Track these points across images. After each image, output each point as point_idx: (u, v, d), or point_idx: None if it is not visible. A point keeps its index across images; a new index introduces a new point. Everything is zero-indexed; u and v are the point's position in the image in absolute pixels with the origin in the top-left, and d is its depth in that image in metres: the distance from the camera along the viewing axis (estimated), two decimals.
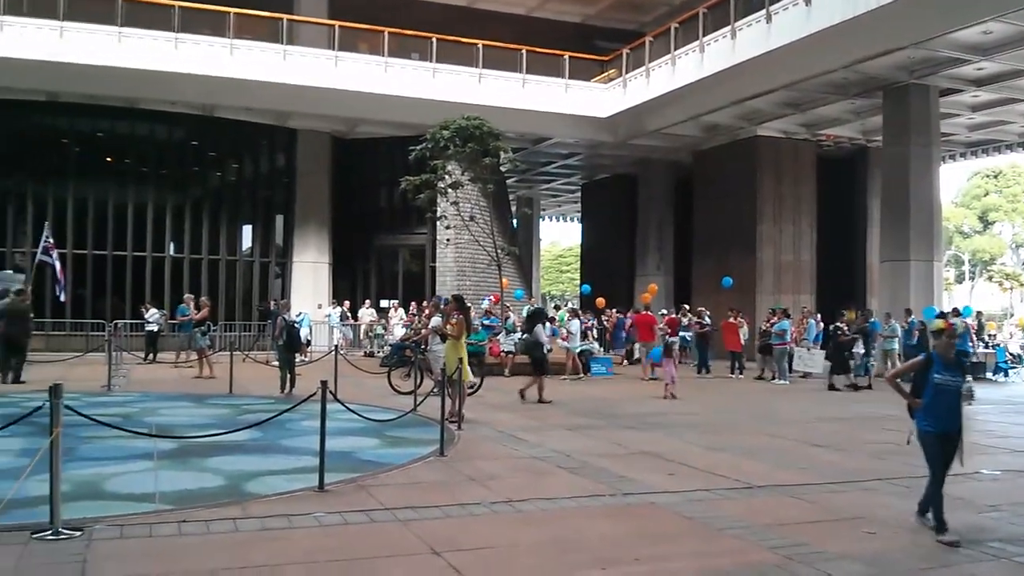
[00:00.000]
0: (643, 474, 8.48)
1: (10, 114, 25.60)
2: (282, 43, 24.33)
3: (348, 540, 6.03)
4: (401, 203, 27.44)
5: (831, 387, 18.03)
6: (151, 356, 21.55)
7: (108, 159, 27.72)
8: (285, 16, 24.84)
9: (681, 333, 20.46)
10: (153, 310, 22.68)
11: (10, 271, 22.01)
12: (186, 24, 23.36)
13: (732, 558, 5.79)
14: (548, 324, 16.03)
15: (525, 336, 16.31)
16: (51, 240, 20.95)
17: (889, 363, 18.91)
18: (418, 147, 21.38)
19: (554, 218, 54.84)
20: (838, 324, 18.85)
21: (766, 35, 21.11)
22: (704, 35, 23.37)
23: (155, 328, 22.20)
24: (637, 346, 23.16)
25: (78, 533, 5.87)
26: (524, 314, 23.30)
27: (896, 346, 19.67)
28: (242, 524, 6.31)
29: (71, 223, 26.00)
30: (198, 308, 19.33)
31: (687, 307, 23.84)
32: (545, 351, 15.77)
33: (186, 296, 20.93)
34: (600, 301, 26.36)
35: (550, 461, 9.10)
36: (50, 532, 5.81)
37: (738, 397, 16.89)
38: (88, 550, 5.57)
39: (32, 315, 17.99)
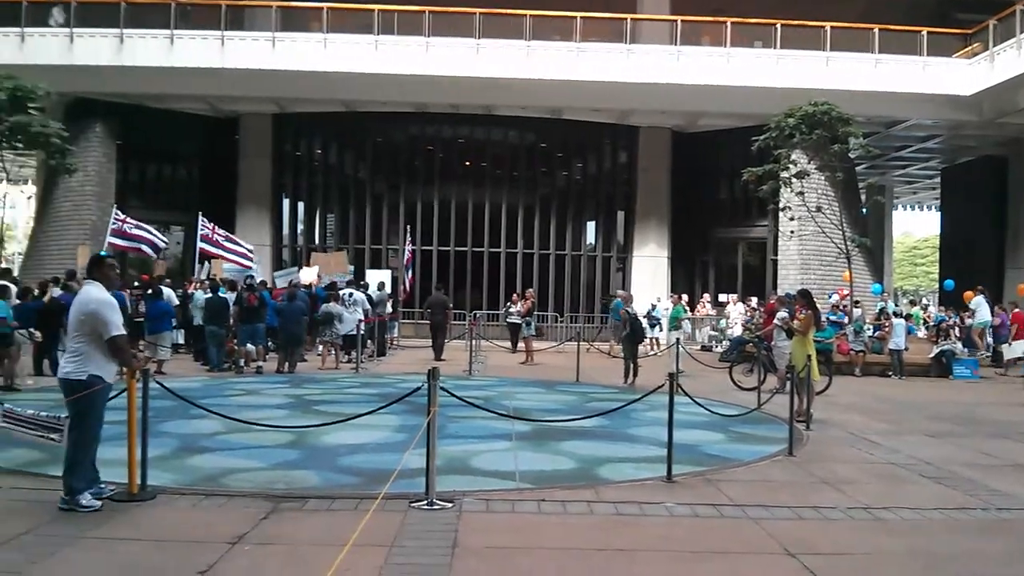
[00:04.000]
0: (1019, 487, 7.66)
1: (385, 125, 29.00)
2: (626, 42, 24.84)
3: (699, 532, 6.10)
4: (741, 195, 27.14)
5: None
6: (516, 346, 23.10)
7: (467, 163, 30.19)
8: (629, 16, 25.37)
9: None
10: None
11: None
12: (536, 31, 24.68)
13: None
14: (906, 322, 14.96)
15: None
16: (410, 236, 23.63)
17: None
18: (761, 137, 20.96)
19: (908, 206, 50.78)
20: None
21: None
22: None
23: (516, 320, 23.70)
24: (1013, 345, 20.76)
25: (449, 505, 6.44)
26: (877, 309, 21.93)
27: None
28: (596, 507, 6.61)
29: (437, 223, 28.66)
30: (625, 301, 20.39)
31: None
32: None
33: (619, 292, 21.97)
34: (968, 295, 23.90)
35: (910, 468, 8.50)
36: (426, 502, 6.42)
37: None
38: (459, 521, 6.09)
39: (451, 305, 21.73)
